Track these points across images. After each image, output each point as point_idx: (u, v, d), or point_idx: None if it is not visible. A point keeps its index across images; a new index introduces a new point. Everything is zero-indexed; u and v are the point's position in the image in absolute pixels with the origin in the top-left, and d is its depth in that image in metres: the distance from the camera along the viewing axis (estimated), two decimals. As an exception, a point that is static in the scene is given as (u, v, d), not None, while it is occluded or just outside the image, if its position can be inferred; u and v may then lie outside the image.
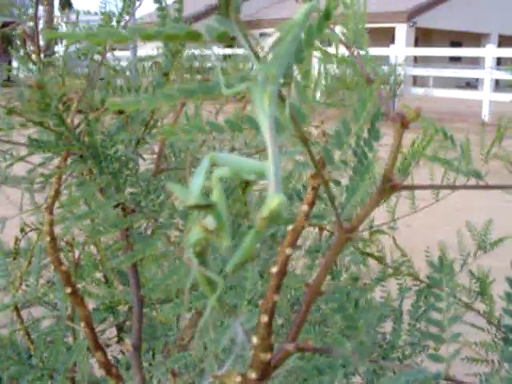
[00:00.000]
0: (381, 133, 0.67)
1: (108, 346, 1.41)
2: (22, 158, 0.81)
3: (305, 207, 0.51)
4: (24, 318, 1.37)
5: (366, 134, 0.66)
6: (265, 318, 0.51)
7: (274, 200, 0.31)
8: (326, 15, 0.36)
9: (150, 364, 1.06)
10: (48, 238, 0.74)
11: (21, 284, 1.40)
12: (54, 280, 1.41)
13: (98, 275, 1.39)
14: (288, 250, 0.50)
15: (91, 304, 1.33)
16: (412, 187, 0.58)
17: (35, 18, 1.23)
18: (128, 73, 0.94)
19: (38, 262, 1.20)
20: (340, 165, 0.64)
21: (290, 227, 0.51)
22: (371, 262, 1.34)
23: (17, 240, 1.37)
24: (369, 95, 0.49)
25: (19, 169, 1.50)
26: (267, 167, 0.32)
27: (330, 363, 0.51)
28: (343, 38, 0.73)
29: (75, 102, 0.74)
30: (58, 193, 0.75)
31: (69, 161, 0.74)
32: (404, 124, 0.54)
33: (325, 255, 0.57)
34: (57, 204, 1.03)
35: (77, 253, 1.42)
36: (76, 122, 0.73)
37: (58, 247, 1.41)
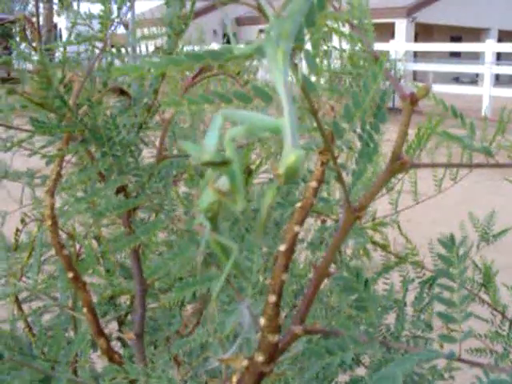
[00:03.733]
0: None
1: (109, 341, 1.40)
2: (21, 142, 0.79)
3: (313, 183, 0.50)
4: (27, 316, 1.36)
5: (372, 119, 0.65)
6: (273, 298, 0.50)
7: (291, 156, 0.30)
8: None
9: (154, 355, 1.05)
10: (49, 222, 0.72)
11: (22, 276, 1.39)
12: (55, 274, 1.40)
13: (100, 269, 1.38)
14: (296, 228, 0.49)
15: (93, 298, 1.32)
16: (422, 165, 0.57)
17: (36, 9, 1.22)
18: (130, 54, 0.93)
19: (39, 252, 1.18)
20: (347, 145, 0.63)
21: (298, 204, 0.49)
22: (374, 255, 1.33)
23: (17, 231, 1.36)
24: (379, 68, 0.48)
25: (20, 164, 1.49)
26: (283, 123, 0.31)
27: (339, 344, 0.50)
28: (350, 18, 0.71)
29: (77, 84, 0.73)
30: (59, 176, 0.73)
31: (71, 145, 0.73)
32: (413, 101, 0.53)
33: (332, 236, 0.56)
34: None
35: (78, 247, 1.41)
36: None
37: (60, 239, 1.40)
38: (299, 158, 0.30)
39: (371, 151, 0.64)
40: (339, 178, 0.48)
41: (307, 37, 0.36)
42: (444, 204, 4.62)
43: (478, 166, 0.63)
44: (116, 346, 1.38)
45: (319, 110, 0.42)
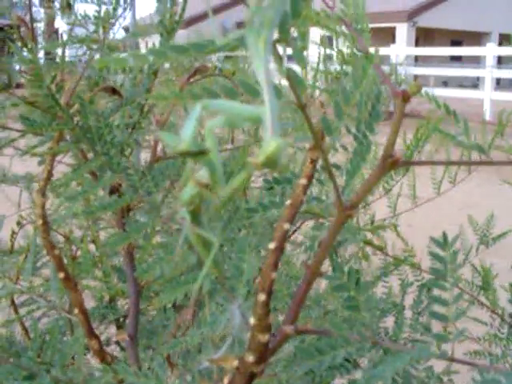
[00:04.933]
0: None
1: (108, 345, 1.40)
2: (13, 141, 0.79)
3: (303, 180, 0.49)
4: (22, 318, 1.36)
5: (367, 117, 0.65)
6: (262, 297, 0.49)
7: (270, 144, 0.29)
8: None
9: (151, 359, 1.04)
10: (40, 221, 0.72)
11: (18, 279, 1.39)
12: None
13: (97, 272, 1.38)
14: (286, 225, 0.48)
15: (91, 303, 1.31)
16: (413, 163, 0.56)
17: (29, 8, 1.22)
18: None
19: (33, 253, 1.18)
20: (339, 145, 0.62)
21: (288, 202, 0.49)
22: (374, 260, 1.33)
23: (13, 233, 1.35)
24: (368, 63, 0.47)
25: (18, 168, 1.49)
26: (263, 112, 0.30)
27: (330, 343, 0.49)
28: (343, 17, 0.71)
29: (69, 83, 0.72)
30: (50, 175, 0.73)
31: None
32: (405, 98, 0.53)
33: (324, 235, 0.55)
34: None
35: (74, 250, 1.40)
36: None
37: (56, 243, 1.39)
38: (279, 146, 0.29)
39: (364, 150, 0.64)
40: (329, 175, 0.48)
41: (294, 29, 0.35)
42: (446, 209, 4.61)
43: (472, 163, 0.62)
44: (115, 350, 1.38)
45: (308, 104, 0.41)
